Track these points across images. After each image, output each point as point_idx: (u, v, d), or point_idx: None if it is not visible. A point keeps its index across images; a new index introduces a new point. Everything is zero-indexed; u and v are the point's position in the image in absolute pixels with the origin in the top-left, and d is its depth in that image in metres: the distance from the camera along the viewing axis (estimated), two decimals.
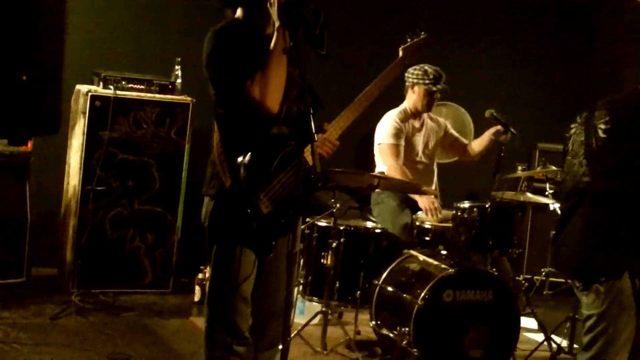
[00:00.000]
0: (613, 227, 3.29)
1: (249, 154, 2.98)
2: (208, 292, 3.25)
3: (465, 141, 5.62)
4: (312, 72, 2.86)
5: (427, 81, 5.20)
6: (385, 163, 5.27)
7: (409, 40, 3.62)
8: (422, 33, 3.66)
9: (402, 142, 5.28)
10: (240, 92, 2.94)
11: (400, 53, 3.60)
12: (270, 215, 3.01)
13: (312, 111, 2.87)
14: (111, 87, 5.14)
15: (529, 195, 5.11)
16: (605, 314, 3.30)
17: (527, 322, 5.04)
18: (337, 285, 4.61)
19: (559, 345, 4.84)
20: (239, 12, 3.12)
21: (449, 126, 5.60)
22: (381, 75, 3.40)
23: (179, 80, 5.39)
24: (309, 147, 2.91)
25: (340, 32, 5.82)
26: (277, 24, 2.94)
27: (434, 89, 5.23)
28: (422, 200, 5.10)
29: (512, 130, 5.15)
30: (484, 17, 6.79)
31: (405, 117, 5.36)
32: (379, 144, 5.33)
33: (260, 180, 3.00)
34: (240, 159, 2.99)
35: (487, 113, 5.25)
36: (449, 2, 6.69)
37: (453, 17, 6.65)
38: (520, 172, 5.63)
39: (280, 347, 2.87)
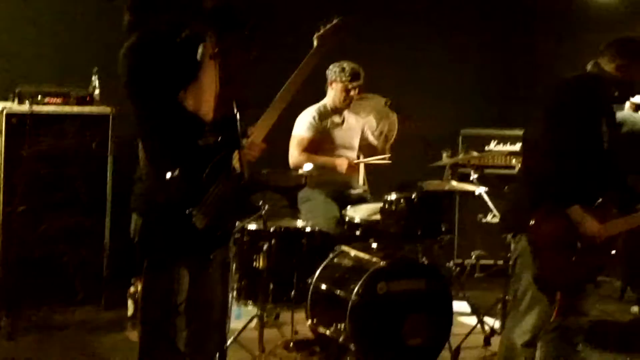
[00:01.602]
0: (521, 193, 3.72)
1: (178, 169, 2.94)
2: (141, 308, 3.23)
3: (374, 143, 5.68)
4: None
5: (343, 78, 5.29)
6: (290, 154, 5.36)
7: (322, 27, 3.60)
8: (335, 18, 3.63)
9: (312, 136, 5.34)
10: (166, 107, 2.91)
11: (315, 42, 3.58)
12: (206, 229, 2.98)
13: (238, 116, 2.86)
14: (27, 102, 5.03)
15: (454, 183, 5.21)
16: (514, 268, 3.67)
17: (461, 306, 5.14)
18: (271, 287, 4.61)
19: (491, 327, 4.96)
20: (150, 22, 3.06)
21: (367, 127, 5.68)
22: (299, 68, 3.35)
23: (97, 91, 5.30)
24: (236, 153, 2.91)
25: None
26: (205, 30, 2.92)
27: (350, 86, 5.30)
28: (339, 164, 5.30)
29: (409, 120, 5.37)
30: (408, 6, 6.84)
31: (325, 111, 5.43)
32: (292, 135, 5.38)
33: (192, 194, 2.96)
34: (169, 174, 2.94)
35: (383, 101, 5.38)
36: None
37: (377, 5, 6.67)
38: (445, 158, 5.72)
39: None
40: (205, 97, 2.94)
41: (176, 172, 2.94)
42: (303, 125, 5.37)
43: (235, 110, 2.89)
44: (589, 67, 3.70)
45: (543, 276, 3.54)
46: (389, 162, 5.47)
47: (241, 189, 3.08)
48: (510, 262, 3.71)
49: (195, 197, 2.97)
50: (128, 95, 3.01)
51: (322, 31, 3.55)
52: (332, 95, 5.41)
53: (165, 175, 2.95)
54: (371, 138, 5.67)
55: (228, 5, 2.94)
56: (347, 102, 5.41)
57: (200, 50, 2.92)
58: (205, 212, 2.98)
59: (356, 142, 5.55)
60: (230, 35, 2.95)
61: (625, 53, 3.62)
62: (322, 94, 5.50)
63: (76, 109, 5.19)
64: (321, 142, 5.37)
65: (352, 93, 5.36)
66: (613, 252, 3.64)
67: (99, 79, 5.30)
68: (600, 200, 3.60)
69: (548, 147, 3.51)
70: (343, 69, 5.30)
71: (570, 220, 3.52)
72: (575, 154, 3.48)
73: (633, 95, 3.77)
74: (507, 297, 4.83)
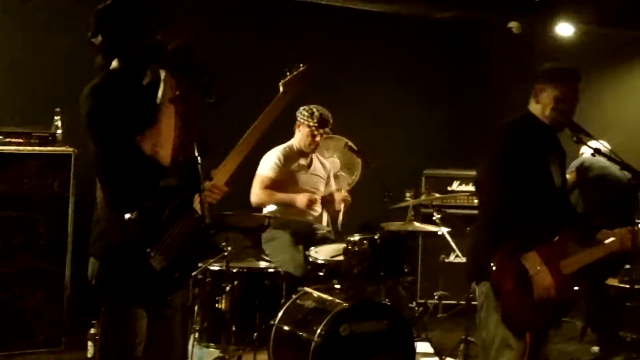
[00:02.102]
0: (479, 239, 3.70)
1: (137, 210, 2.92)
2: (99, 351, 3.19)
3: (334, 192, 5.64)
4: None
5: (311, 123, 5.30)
6: (252, 191, 5.34)
7: (288, 74, 3.64)
8: (301, 65, 3.66)
9: (276, 177, 5.34)
10: (126, 149, 2.91)
11: (281, 88, 3.61)
12: (164, 271, 2.96)
13: (200, 159, 2.86)
14: None
15: (416, 224, 5.25)
16: (480, 315, 3.64)
17: (424, 346, 5.14)
18: (234, 328, 4.58)
19: None
20: (115, 63, 3.05)
21: (332, 175, 5.71)
22: (264, 114, 3.36)
23: (59, 131, 5.28)
24: (197, 196, 2.91)
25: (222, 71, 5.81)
26: (164, 73, 2.93)
27: (316, 132, 5.32)
28: (299, 200, 5.25)
29: (367, 160, 5.36)
30: (373, 52, 6.93)
31: (291, 153, 5.44)
32: (257, 174, 5.40)
33: (150, 236, 2.94)
34: (128, 216, 2.91)
35: (342, 144, 5.40)
36: (335, 33, 6.77)
37: (340, 47, 6.74)
38: (408, 198, 5.77)
39: None
40: (162, 140, 2.93)
41: (134, 214, 2.92)
42: (267, 165, 5.38)
43: (197, 153, 2.89)
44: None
45: (510, 317, 3.54)
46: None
47: (202, 231, 3.07)
48: (478, 307, 3.67)
49: (154, 238, 2.95)
50: (90, 136, 3.00)
51: (287, 78, 3.58)
52: (299, 137, 5.42)
53: (123, 217, 2.93)
54: (333, 187, 5.69)
55: (188, 48, 2.95)
56: (312, 147, 5.41)
57: (160, 94, 2.92)
58: (164, 254, 2.96)
59: (322, 187, 5.55)
60: (191, 78, 2.96)
61: (539, 79, 3.69)
62: (291, 134, 5.52)
63: (38, 149, 5.16)
64: (285, 183, 5.37)
65: (317, 138, 5.37)
66: (576, 288, 3.64)
67: (61, 119, 5.28)
68: (558, 237, 3.63)
69: (497, 192, 3.52)
70: (312, 114, 5.31)
71: None
72: (524, 196, 3.49)
73: (569, 116, 3.73)
74: (469, 337, 4.85)
